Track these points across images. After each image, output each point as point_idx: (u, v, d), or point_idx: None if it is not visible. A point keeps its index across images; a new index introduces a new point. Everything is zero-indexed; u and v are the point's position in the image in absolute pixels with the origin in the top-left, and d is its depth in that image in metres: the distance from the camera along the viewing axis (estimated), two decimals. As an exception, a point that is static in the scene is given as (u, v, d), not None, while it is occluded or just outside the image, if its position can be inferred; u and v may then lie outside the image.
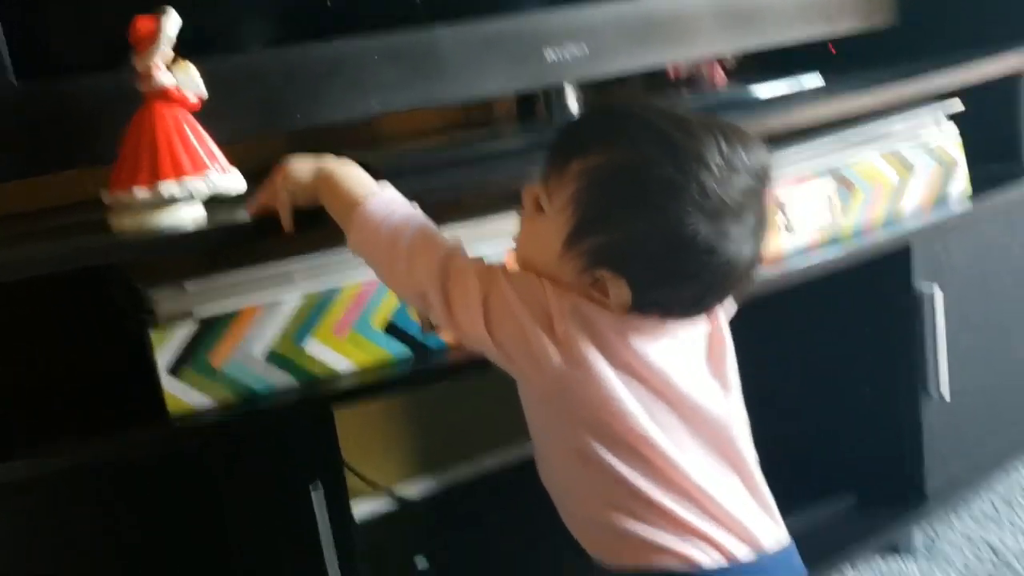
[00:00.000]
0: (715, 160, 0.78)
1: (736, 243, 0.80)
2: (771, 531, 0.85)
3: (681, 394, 0.83)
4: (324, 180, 0.92)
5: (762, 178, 0.81)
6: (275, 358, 0.99)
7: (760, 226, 0.82)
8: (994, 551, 1.39)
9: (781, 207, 1.24)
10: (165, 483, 0.96)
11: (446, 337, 1.05)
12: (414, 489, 1.66)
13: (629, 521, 0.82)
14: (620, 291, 0.81)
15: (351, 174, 0.92)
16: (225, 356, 0.96)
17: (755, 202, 0.81)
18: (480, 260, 0.86)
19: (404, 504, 1.62)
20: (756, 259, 0.84)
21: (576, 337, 0.81)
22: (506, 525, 1.49)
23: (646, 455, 0.82)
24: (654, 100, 0.84)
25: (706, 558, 0.82)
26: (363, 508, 1.59)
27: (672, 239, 0.79)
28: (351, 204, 0.89)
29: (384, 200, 0.89)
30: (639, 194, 0.79)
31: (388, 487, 1.62)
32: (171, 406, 0.95)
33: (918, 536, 1.43)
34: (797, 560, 0.87)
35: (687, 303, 0.84)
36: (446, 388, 1.65)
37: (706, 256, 0.79)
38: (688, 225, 0.78)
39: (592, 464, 0.82)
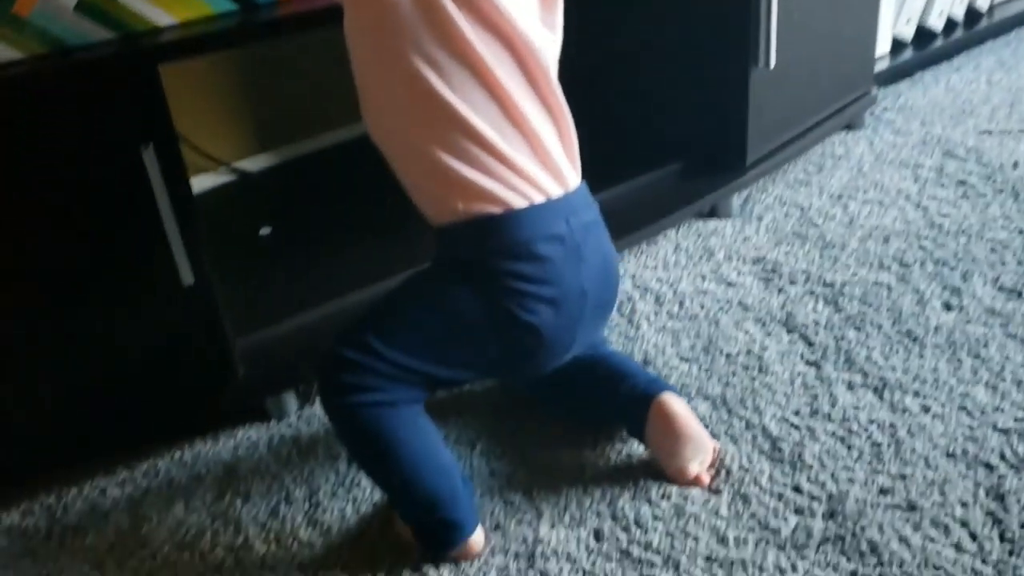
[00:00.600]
0: None
1: None
2: (573, 173, 0.94)
3: (517, 31, 0.85)
4: None
5: None
6: (87, 8, 0.93)
7: None
8: (801, 210, 1.52)
9: None
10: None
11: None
12: (255, 163, 1.64)
13: (457, 163, 0.85)
14: None
15: None
16: (31, 5, 0.90)
17: None
18: None
19: (245, 177, 1.61)
20: None
21: None
22: (345, 196, 1.51)
23: (480, 85, 0.84)
24: None
25: (523, 200, 0.87)
26: (204, 182, 1.58)
27: None
28: None
29: None
30: None
31: (228, 162, 1.60)
32: (-24, 60, 0.89)
33: (736, 201, 1.53)
34: (590, 195, 0.96)
35: None
36: (285, 63, 1.61)
37: None
38: None
39: (426, 99, 0.84)
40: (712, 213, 1.52)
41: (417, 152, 0.87)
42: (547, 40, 0.89)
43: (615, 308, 1.02)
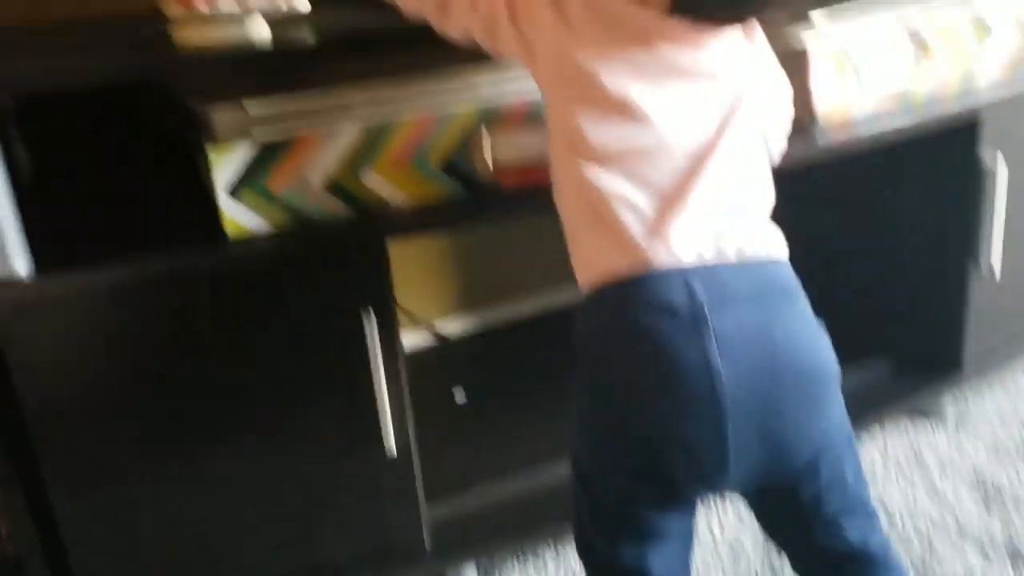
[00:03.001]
0: None
1: None
2: (737, 239, 0.81)
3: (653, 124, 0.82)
4: None
5: None
6: (333, 186, 0.98)
7: None
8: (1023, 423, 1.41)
9: (854, 64, 1.19)
10: (222, 300, 0.97)
11: (503, 180, 1.04)
12: (455, 326, 1.68)
13: (585, 228, 0.84)
14: None
15: None
16: (284, 181, 0.96)
17: None
18: None
19: (445, 339, 1.65)
20: None
21: (590, 28, 0.82)
22: (543, 366, 1.51)
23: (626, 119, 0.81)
24: None
25: (637, 266, 0.80)
26: (405, 341, 1.62)
27: None
28: None
29: None
30: None
31: (430, 322, 1.64)
32: (229, 228, 0.96)
33: (950, 405, 1.44)
34: (772, 274, 0.83)
35: (724, 5, 0.82)
36: (492, 230, 1.66)
37: None
38: None
39: (565, 140, 0.84)
40: (923, 416, 1.43)
41: (563, 216, 0.87)
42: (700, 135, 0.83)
43: (821, 428, 0.81)
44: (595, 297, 0.83)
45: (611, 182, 0.81)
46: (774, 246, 0.84)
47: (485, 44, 0.90)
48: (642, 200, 0.80)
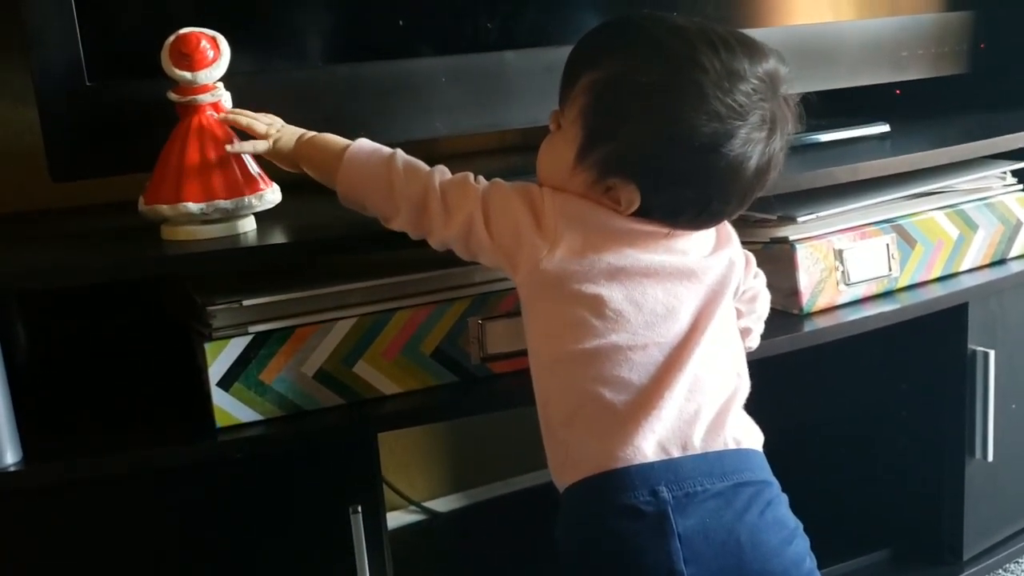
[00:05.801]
0: (712, 64, 0.80)
1: (742, 144, 0.82)
2: (708, 433, 0.83)
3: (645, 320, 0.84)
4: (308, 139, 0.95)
5: (768, 83, 0.83)
6: (324, 377, 0.99)
7: (772, 130, 0.83)
8: (1029, 620, 1.37)
9: (839, 257, 1.22)
10: (207, 491, 0.96)
11: (495, 367, 1.05)
12: (443, 504, 1.65)
13: (564, 428, 0.85)
14: (631, 196, 0.84)
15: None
16: (276, 372, 0.97)
17: (763, 105, 0.82)
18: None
19: (433, 517, 1.62)
20: (767, 164, 0.85)
21: (564, 234, 0.85)
22: (534, 544, 1.48)
23: (599, 328, 0.83)
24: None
25: (610, 462, 0.81)
26: (391, 519, 1.59)
27: (672, 139, 0.81)
28: (337, 151, 0.93)
29: (364, 142, 0.94)
30: (636, 100, 0.82)
31: (418, 501, 1.62)
32: (219, 419, 0.96)
33: (951, 596, 1.40)
34: (744, 463, 0.84)
35: (693, 208, 0.85)
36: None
37: (708, 155, 0.81)
38: (685, 126, 0.80)
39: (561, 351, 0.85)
40: (924, 609, 1.39)
41: (540, 415, 0.89)
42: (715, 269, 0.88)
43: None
44: (566, 498, 0.84)
45: (586, 384, 0.82)
46: (744, 434, 0.86)
47: (463, 253, 0.92)
48: (617, 400, 0.82)
